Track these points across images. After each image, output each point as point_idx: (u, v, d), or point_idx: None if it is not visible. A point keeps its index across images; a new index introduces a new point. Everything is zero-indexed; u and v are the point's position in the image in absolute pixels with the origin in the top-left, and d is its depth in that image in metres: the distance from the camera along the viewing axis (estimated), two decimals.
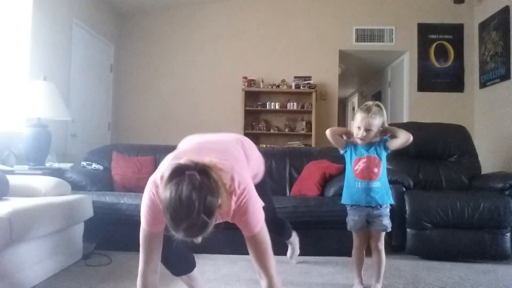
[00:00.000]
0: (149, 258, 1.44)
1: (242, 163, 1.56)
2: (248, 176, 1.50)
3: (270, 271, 1.45)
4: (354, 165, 2.06)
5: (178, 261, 1.75)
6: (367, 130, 2.00)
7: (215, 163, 1.29)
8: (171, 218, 1.17)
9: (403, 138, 2.03)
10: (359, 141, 2.06)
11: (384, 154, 2.05)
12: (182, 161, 1.25)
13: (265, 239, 1.45)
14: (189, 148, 1.55)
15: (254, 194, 1.43)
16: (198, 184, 1.18)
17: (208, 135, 1.71)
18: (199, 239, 1.27)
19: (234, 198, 1.37)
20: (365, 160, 2.03)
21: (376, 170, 2.02)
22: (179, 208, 1.16)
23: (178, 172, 1.21)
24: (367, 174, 2.01)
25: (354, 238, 2.12)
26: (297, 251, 2.58)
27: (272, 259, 1.46)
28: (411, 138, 2.02)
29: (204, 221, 1.18)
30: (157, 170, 1.43)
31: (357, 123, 2.04)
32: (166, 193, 1.19)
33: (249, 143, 1.80)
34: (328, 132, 2.13)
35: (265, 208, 1.48)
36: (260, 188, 1.58)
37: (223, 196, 1.25)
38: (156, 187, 1.36)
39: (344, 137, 2.13)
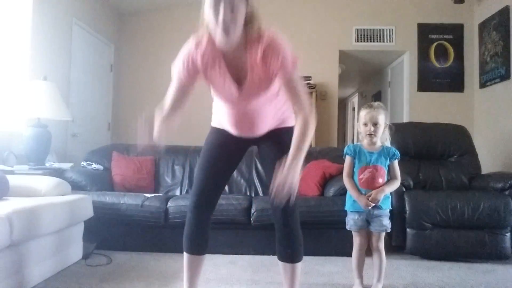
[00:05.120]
0: (174, 104, 1.61)
1: None
2: None
3: (308, 107, 1.50)
4: (359, 173, 2.05)
5: (207, 238, 1.71)
6: (374, 124, 2.01)
7: None
8: None
9: (396, 184, 2.06)
10: (368, 139, 2.05)
11: (387, 164, 2.06)
12: None
13: (299, 75, 1.51)
14: None
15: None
16: None
17: None
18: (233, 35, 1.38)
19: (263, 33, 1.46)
20: (371, 170, 2.03)
21: (381, 180, 2.03)
22: None
23: None
24: (372, 184, 2.01)
25: (355, 238, 2.12)
26: None
27: (306, 95, 1.54)
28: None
29: None
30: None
31: (362, 120, 2.05)
32: None
33: None
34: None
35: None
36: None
37: (257, 21, 1.44)
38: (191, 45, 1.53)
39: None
